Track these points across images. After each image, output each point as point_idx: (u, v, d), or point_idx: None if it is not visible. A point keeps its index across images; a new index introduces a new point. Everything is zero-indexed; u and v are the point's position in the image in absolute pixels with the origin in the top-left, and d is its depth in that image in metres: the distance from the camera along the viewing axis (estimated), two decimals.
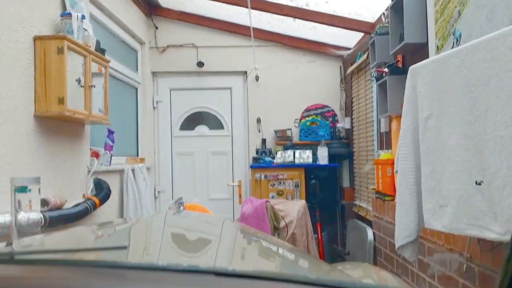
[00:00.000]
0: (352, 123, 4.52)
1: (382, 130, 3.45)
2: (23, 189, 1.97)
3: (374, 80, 3.40)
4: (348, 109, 4.62)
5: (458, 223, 1.57)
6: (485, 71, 1.42)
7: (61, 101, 2.39)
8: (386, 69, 2.99)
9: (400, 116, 2.24)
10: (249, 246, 1.05)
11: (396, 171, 1.98)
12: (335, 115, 4.74)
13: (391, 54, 2.93)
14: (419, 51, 2.66)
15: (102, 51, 2.96)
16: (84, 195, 2.97)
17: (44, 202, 2.41)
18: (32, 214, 2.01)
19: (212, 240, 1.10)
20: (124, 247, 0.73)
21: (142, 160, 4.29)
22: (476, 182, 1.48)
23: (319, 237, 4.35)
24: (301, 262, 0.98)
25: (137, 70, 4.44)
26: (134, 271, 0.53)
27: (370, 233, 3.60)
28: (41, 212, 2.13)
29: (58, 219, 2.40)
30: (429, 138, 1.75)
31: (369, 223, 3.69)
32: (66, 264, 0.56)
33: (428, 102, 1.75)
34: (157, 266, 0.56)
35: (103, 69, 2.98)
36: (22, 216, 1.97)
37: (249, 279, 0.51)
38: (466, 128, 1.52)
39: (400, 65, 2.93)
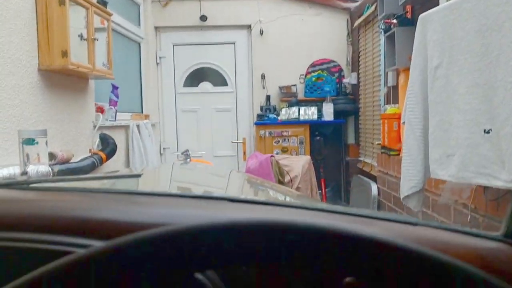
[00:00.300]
0: (358, 78, 4.46)
1: (389, 84, 3.40)
2: (30, 142, 1.98)
3: (382, 33, 3.32)
4: (355, 64, 4.55)
5: (465, 172, 1.57)
6: (499, 16, 1.38)
7: (65, 54, 2.36)
8: (394, 21, 2.92)
9: (408, 69, 2.20)
10: (257, 188, 1.06)
11: (403, 122, 1.97)
12: (341, 70, 4.67)
13: (400, 5, 2.85)
14: (429, 1, 2.58)
15: (104, 3, 2.90)
16: (90, 150, 2.98)
17: (51, 156, 2.43)
18: (41, 167, 2.02)
19: (221, 183, 1.11)
20: (139, 175, 0.73)
21: (146, 116, 4.29)
22: (485, 131, 1.47)
23: (323, 193, 4.40)
24: (309, 199, 0.99)
25: (139, 24, 4.35)
26: (148, 197, 0.54)
27: (374, 188, 3.63)
28: (49, 165, 2.15)
29: (66, 172, 2.42)
30: (438, 87, 1.72)
31: (374, 178, 3.71)
32: (81, 191, 0.56)
33: (438, 51, 1.71)
34: (172, 193, 0.56)
35: (105, 22, 2.92)
36: (31, 168, 1.99)
37: (262, 205, 0.51)
38: (477, 76, 1.50)
39: (409, 16, 2.86)
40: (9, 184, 0.59)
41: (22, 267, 0.25)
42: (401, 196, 1.96)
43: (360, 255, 0.25)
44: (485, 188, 1.79)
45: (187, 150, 1.94)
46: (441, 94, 1.70)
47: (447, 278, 0.24)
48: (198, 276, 0.41)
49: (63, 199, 0.52)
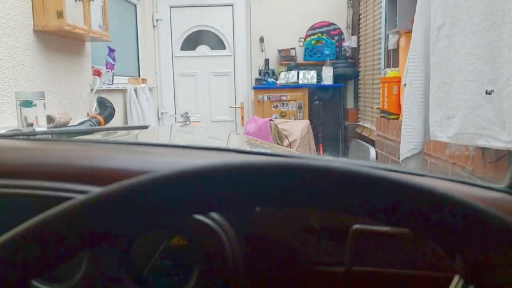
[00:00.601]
0: (358, 41, 4.40)
1: (390, 47, 3.36)
2: (28, 104, 1.96)
3: None
4: (355, 27, 4.47)
5: (465, 134, 1.57)
6: None
7: (60, 14, 2.31)
8: None
9: (409, 32, 2.17)
10: (258, 148, 1.06)
11: (404, 84, 1.95)
12: (341, 33, 4.59)
13: None
14: None
15: None
16: (88, 114, 2.97)
17: (49, 119, 2.41)
18: (40, 129, 2.02)
19: (221, 142, 1.11)
20: (146, 127, 0.73)
21: (144, 80, 4.24)
22: (486, 92, 1.47)
23: None
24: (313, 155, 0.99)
25: None
26: (153, 147, 0.54)
27: (372, 152, 3.65)
28: (48, 128, 2.14)
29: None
30: (440, 48, 1.70)
31: (372, 142, 3.72)
32: (86, 142, 0.56)
33: (441, 11, 1.68)
34: (177, 145, 0.56)
35: None
36: None
37: (272, 156, 0.51)
38: (480, 36, 1.47)
39: None
40: (16, 134, 0.59)
41: (28, 213, 0.25)
42: (401, 158, 1.97)
43: (374, 196, 0.25)
44: (484, 151, 1.80)
45: (186, 113, 1.93)
46: (444, 55, 1.68)
47: (459, 216, 0.24)
48: (209, 222, 0.41)
49: (68, 148, 0.52)
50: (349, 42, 4.50)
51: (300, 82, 4.37)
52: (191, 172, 0.24)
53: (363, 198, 0.24)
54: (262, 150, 0.72)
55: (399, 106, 2.85)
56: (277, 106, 4.37)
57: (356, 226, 0.42)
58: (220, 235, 0.42)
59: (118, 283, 0.43)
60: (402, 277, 0.42)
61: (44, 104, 2.01)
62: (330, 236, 0.44)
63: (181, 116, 1.93)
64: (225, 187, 0.24)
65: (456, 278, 0.27)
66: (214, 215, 0.42)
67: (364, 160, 3.80)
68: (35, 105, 1.98)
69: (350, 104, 4.66)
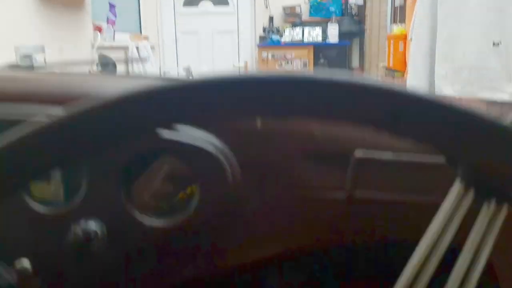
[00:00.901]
0: None
1: (397, 4, 3.28)
2: (28, 58, 1.95)
3: None
4: None
5: (471, 87, 1.55)
6: None
7: None
8: None
9: None
10: None
11: (411, 39, 1.92)
12: None
13: None
14: None
15: None
16: (90, 71, 2.94)
17: None
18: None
19: None
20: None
21: (145, 37, 4.17)
22: (494, 43, 1.44)
23: None
24: None
25: None
26: (143, 78, 0.53)
27: None
28: None
29: None
30: (448, 0, 1.66)
31: None
32: (80, 75, 0.56)
33: None
34: (172, 78, 0.55)
35: None
36: None
37: None
38: None
39: None
40: (16, 66, 0.59)
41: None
42: None
43: (378, 106, 0.24)
44: (488, 105, 1.78)
45: (189, 67, 1.90)
46: (451, 7, 1.64)
47: (462, 123, 0.24)
48: (208, 147, 0.41)
49: (61, 79, 0.52)
50: None
51: (305, 40, 4.30)
52: (188, 84, 0.24)
53: (366, 108, 0.24)
54: None
55: (405, 64, 2.81)
56: (281, 64, 4.32)
57: (358, 151, 0.41)
58: (219, 159, 0.42)
59: (118, 207, 0.43)
60: (405, 204, 0.42)
61: (44, 59, 2.00)
62: (331, 160, 0.44)
63: (183, 70, 1.91)
64: (227, 97, 0.24)
65: (456, 183, 0.27)
66: (213, 140, 0.42)
67: None
68: (35, 59, 1.97)
69: (355, 62, 4.60)
